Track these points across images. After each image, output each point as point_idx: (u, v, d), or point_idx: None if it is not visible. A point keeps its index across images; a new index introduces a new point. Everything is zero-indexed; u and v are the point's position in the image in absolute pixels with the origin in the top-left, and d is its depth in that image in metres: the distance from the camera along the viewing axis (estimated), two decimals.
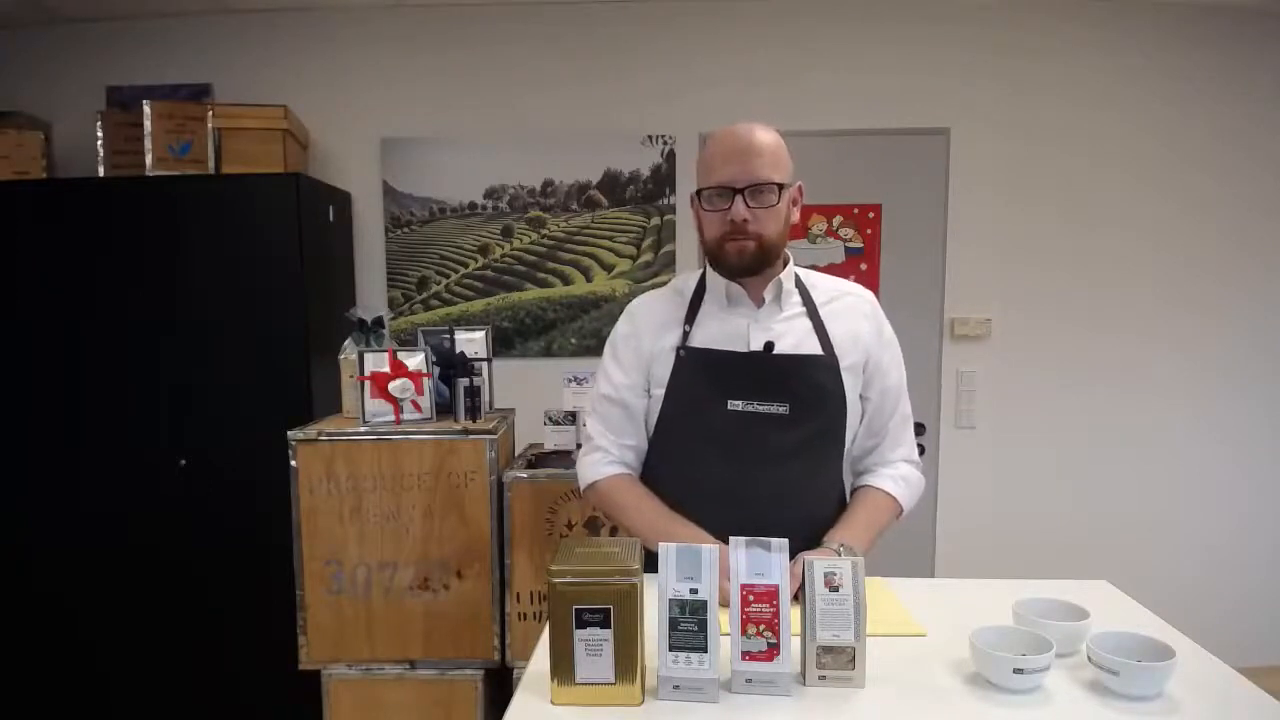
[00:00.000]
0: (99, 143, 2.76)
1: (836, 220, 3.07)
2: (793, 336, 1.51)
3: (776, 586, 1.09)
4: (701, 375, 1.50)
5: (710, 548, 1.10)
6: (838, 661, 1.10)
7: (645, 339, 1.57)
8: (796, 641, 1.11)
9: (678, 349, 1.52)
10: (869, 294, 1.64)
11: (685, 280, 1.65)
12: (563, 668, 1.07)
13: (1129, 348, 3.14)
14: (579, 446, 2.23)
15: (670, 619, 1.07)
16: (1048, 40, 3.04)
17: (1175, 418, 3.17)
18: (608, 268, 3.14)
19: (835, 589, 1.10)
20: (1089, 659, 1.09)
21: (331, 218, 2.91)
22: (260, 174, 2.65)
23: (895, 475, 1.58)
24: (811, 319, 1.54)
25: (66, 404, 2.64)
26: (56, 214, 2.61)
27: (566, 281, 3.15)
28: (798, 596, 1.14)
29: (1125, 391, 3.15)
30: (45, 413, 2.66)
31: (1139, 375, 3.15)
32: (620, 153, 3.09)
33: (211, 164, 2.69)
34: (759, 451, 1.46)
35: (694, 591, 1.07)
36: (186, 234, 2.62)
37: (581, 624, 1.06)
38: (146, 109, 2.66)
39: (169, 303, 2.62)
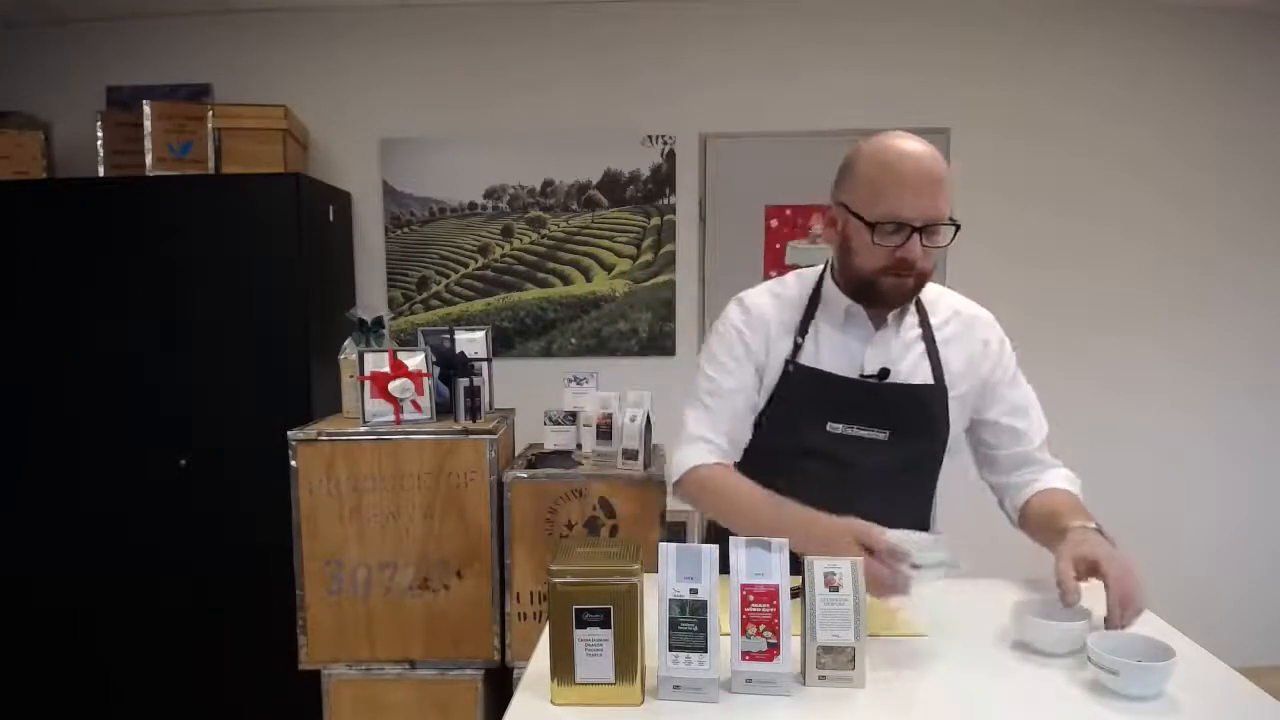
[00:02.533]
0: (99, 143, 2.76)
1: None
2: (906, 362, 1.45)
3: (776, 586, 1.09)
4: (807, 395, 1.45)
5: (710, 548, 1.10)
6: (838, 661, 1.10)
7: (759, 345, 1.49)
8: (796, 641, 1.11)
9: (787, 363, 1.46)
10: (988, 315, 1.56)
11: (798, 284, 1.54)
12: (563, 668, 1.07)
13: (1129, 348, 3.14)
14: (579, 446, 2.23)
15: (670, 619, 1.07)
16: (1048, 41, 3.04)
17: (1175, 417, 3.16)
18: (608, 268, 3.14)
19: (835, 589, 1.10)
20: (1089, 659, 1.09)
21: (331, 218, 2.91)
22: (260, 174, 2.65)
23: (1061, 475, 1.51)
24: (926, 343, 1.48)
25: (66, 404, 2.64)
26: (56, 214, 2.61)
27: (566, 281, 3.15)
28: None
29: (1125, 391, 3.15)
30: (45, 413, 2.66)
31: (1139, 375, 3.15)
32: (620, 153, 3.09)
33: (211, 164, 2.68)
34: (851, 472, 1.41)
35: (694, 591, 1.07)
36: (186, 234, 2.61)
37: (581, 624, 1.06)
38: (146, 109, 2.66)
39: (169, 302, 2.62)
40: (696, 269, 3.12)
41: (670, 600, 1.07)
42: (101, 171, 2.76)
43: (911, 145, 1.34)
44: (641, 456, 2.11)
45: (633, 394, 2.15)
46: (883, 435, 1.44)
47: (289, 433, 2.15)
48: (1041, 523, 1.42)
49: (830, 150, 3.05)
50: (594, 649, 1.06)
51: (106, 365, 2.63)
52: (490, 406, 2.37)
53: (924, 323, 1.49)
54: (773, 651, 1.08)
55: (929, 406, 1.46)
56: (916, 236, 1.32)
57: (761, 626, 1.08)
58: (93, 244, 2.61)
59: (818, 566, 1.12)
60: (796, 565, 1.12)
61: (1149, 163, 3.08)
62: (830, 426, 1.44)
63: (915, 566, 1.13)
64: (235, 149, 2.69)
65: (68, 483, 2.66)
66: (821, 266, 1.54)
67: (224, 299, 2.62)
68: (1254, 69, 3.06)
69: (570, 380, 2.31)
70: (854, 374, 1.45)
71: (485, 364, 2.31)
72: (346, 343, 2.30)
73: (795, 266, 3.02)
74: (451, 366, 2.23)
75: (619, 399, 2.19)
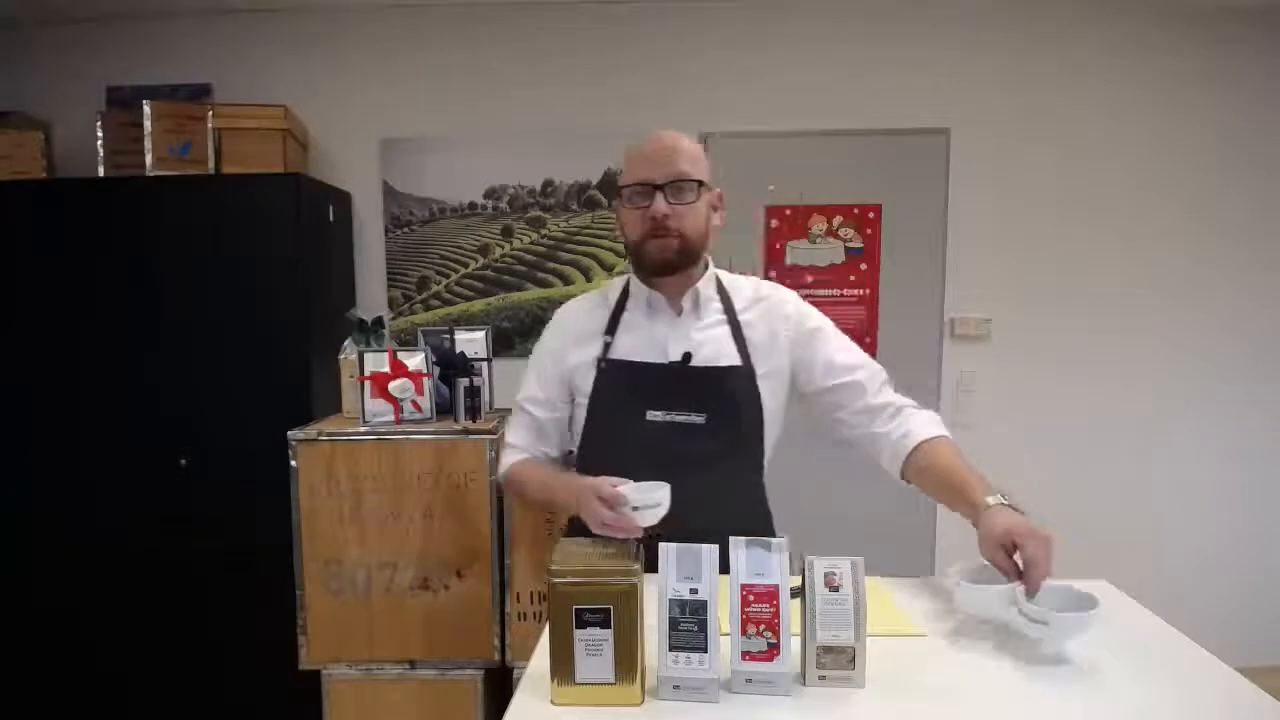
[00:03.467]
0: (99, 143, 2.76)
1: (836, 220, 3.07)
2: (711, 346, 1.53)
3: (776, 586, 1.09)
4: (622, 387, 1.53)
5: (710, 548, 1.10)
6: (838, 661, 1.10)
7: (568, 352, 1.59)
8: (796, 641, 1.11)
9: (598, 361, 1.55)
10: (789, 294, 1.64)
11: (611, 288, 1.66)
12: (563, 668, 1.07)
13: (1129, 348, 3.14)
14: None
15: (670, 619, 1.07)
16: (1048, 41, 3.04)
17: (1176, 418, 3.16)
18: (608, 268, 3.14)
19: (835, 589, 1.10)
20: (1019, 612, 1.16)
21: (332, 218, 2.91)
22: (260, 174, 2.65)
23: (927, 420, 1.53)
24: (730, 326, 1.55)
25: (67, 404, 2.64)
26: (56, 214, 2.61)
27: (567, 281, 3.15)
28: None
29: (1125, 391, 3.15)
30: (46, 413, 2.65)
31: (1139, 375, 3.15)
32: (620, 153, 3.07)
33: (211, 164, 2.68)
34: (678, 460, 1.45)
35: (694, 591, 1.07)
36: (186, 234, 2.61)
37: (581, 624, 1.06)
38: (146, 109, 2.66)
39: (169, 303, 2.62)
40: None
41: (670, 600, 1.07)
42: (101, 171, 2.76)
43: (656, 131, 1.53)
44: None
45: None
46: (700, 419, 1.50)
47: (289, 433, 2.15)
48: (941, 485, 1.45)
49: (831, 150, 3.08)
50: (594, 649, 1.06)
51: (106, 365, 2.63)
52: (490, 406, 2.37)
53: (728, 309, 1.57)
54: (773, 651, 1.08)
55: (737, 386, 1.52)
56: (660, 194, 1.46)
57: (761, 626, 1.08)
58: (93, 244, 2.61)
59: (818, 566, 1.12)
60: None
61: (1149, 163, 3.08)
62: (650, 415, 1.51)
63: (635, 509, 1.27)
64: (235, 149, 2.68)
65: (68, 482, 2.66)
66: (630, 275, 1.63)
67: (224, 299, 2.61)
68: (1254, 69, 3.06)
69: None
70: (661, 360, 1.53)
71: (485, 364, 2.31)
72: (346, 343, 2.30)
73: (796, 267, 3.05)
74: (451, 366, 2.24)
75: None
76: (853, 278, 3.06)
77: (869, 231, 3.07)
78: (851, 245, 3.08)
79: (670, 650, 1.07)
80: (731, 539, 1.14)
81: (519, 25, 3.05)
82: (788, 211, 3.05)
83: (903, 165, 3.08)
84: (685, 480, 1.36)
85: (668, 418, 1.50)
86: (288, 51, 3.06)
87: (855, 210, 3.07)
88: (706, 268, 1.58)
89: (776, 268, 3.04)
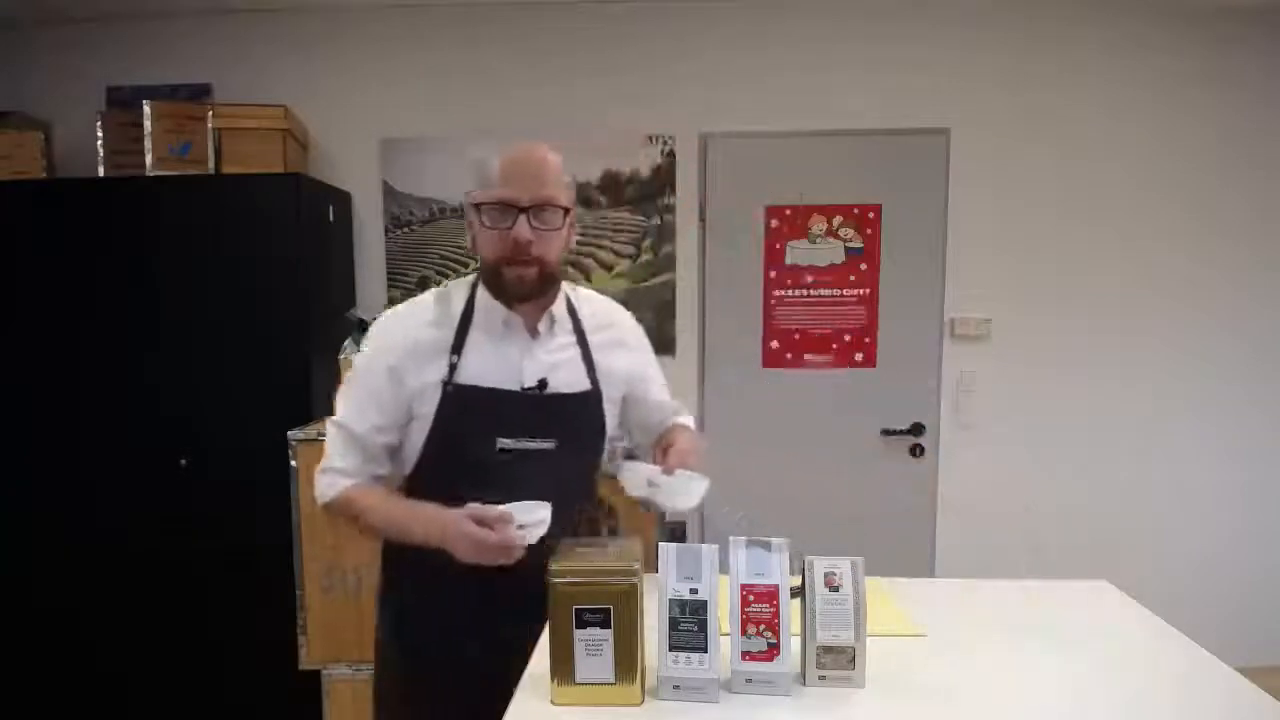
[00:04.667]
0: (99, 143, 2.76)
1: (836, 220, 3.06)
2: (564, 370, 1.49)
3: (776, 586, 1.09)
4: (471, 413, 1.44)
5: (710, 547, 1.10)
6: (838, 661, 1.10)
7: (409, 372, 1.45)
8: (796, 641, 1.11)
9: (444, 383, 1.44)
10: (630, 321, 1.64)
11: (452, 295, 1.54)
12: (563, 668, 1.07)
13: (1129, 348, 3.13)
14: None
15: (670, 619, 1.07)
16: (1048, 41, 3.04)
17: (1176, 418, 3.16)
18: (608, 268, 3.13)
19: (835, 589, 1.10)
20: (648, 482, 1.37)
21: (332, 218, 2.91)
22: (260, 174, 2.65)
23: (689, 418, 1.69)
24: (581, 347, 1.52)
25: (67, 404, 2.64)
26: (56, 214, 2.61)
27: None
28: None
29: (1125, 391, 3.15)
30: (46, 413, 2.66)
31: (1139, 375, 3.15)
32: (620, 153, 3.09)
33: (211, 164, 2.68)
34: (523, 485, 1.38)
35: (694, 591, 1.07)
36: (186, 234, 2.61)
37: (581, 624, 1.06)
38: (146, 109, 2.66)
39: (169, 303, 2.62)
40: (696, 269, 3.11)
41: (670, 600, 1.07)
42: (101, 171, 2.76)
43: (525, 143, 1.44)
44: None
45: None
46: (550, 444, 1.46)
47: (289, 433, 2.15)
48: (656, 441, 1.59)
49: (831, 150, 3.08)
50: (594, 649, 1.06)
51: (107, 365, 2.63)
52: None
53: (577, 327, 1.54)
54: (773, 651, 1.08)
55: (589, 411, 1.52)
56: (524, 217, 1.37)
57: (761, 626, 1.08)
58: (93, 244, 2.61)
59: (818, 566, 1.12)
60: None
61: (1149, 163, 3.08)
62: (501, 443, 1.43)
63: (521, 527, 1.27)
64: (235, 149, 2.68)
65: (68, 482, 2.66)
66: (472, 279, 1.54)
67: (224, 299, 2.61)
68: (1254, 69, 3.06)
69: None
70: (515, 387, 1.45)
71: None
72: (346, 343, 2.31)
73: (796, 267, 3.05)
74: None
75: None
76: (853, 278, 3.05)
77: (869, 231, 3.07)
78: (851, 245, 3.07)
79: (670, 650, 1.07)
80: (731, 539, 1.14)
81: (519, 25, 3.05)
82: (788, 211, 3.05)
83: (903, 165, 3.08)
84: (524, 498, 1.32)
85: (519, 445, 1.43)
86: (288, 51, 3.06)
87: (855, 210, 3.07)
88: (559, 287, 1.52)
89: (776, 268, 3.04)
